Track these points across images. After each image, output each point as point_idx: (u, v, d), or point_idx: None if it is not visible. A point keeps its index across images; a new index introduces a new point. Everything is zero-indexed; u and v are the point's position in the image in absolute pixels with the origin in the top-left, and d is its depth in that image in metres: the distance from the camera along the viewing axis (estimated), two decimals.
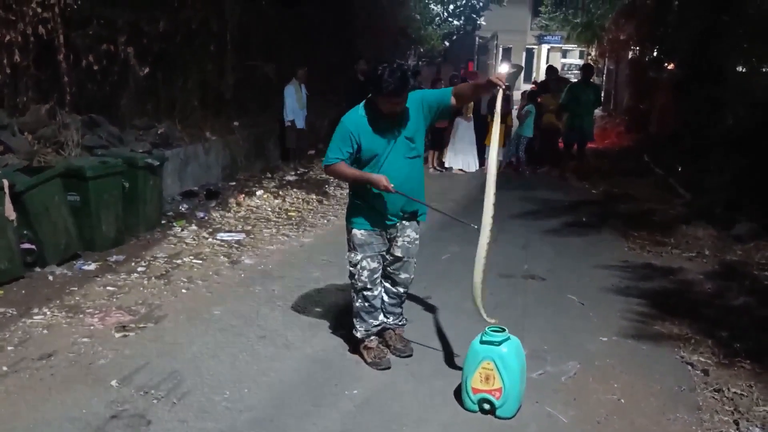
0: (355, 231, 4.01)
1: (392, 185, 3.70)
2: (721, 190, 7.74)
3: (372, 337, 4.19)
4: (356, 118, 3.85)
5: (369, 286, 4.06)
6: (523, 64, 32.30)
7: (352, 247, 4.05)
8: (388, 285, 4.21)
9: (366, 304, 4.11)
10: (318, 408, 3.60)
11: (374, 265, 4.04)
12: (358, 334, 4.18)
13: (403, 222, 4.04)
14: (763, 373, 4.07)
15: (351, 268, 4.09)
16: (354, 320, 4.19)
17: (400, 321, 4.35)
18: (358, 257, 4.02)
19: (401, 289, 4.23)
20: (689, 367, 4.19)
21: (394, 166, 3.84)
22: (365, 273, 4.03)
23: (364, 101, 3.91)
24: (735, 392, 3.83)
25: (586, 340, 4.60)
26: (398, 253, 4.09)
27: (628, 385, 3.94)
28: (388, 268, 4.15)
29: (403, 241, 4.07)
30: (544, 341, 4.53)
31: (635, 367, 4.20)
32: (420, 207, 4.08)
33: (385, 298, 4.24)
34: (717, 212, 7.55)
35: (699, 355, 4.34)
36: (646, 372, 4.12)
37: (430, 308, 5.08)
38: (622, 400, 3.76)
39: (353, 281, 4.10)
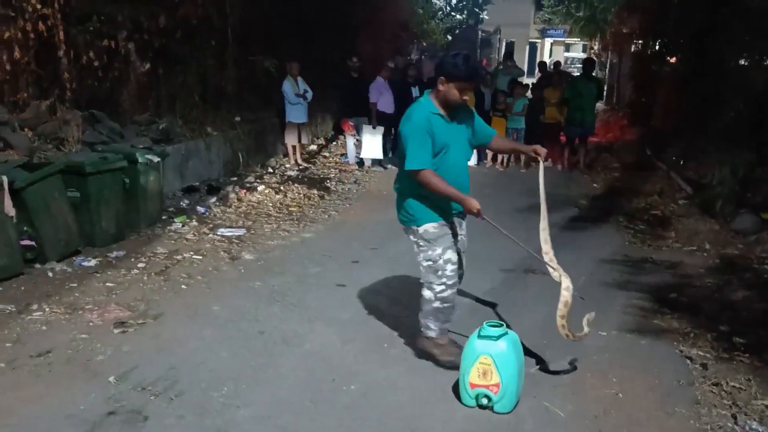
0: (426, 226, 3.86)
1: (483, 214, 3.67)
2: (721, 184, 7.71)
3: (444, 336, 4.06)
4: (425, 113, 3.76)
5: (451, 282, 3.90)
6: (525, 62, 32.37)
7: (427, 243, 3.88)
8: None
9: (444, 305, 3.95)
10: (315, 404, 3.61)
11: (456, 256, 3.92)
12: (432, 333, 4.02)
13: (459, 218, 4.04)
14: (761, 367, 4.07)
15: (432, 264, 3.89)
16: (427, 320, 4.02)
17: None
18: (439, 250, 3.86)
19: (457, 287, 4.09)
20: (688, 362, 4.19)
21: (458, 158, 3.86)
22: (449, 266, 3.87)
23: (423, 98, 3.88)
24: (733, 386, 3.82)
25: None
26: (460, 247, 4.06)
27: (626, 379, 3.94)
28: None
29: (460, 235, 4.05)
30: (543, 336, 4.52)
31: (634, 361, 4.20)
32: None
33: None
34: (718, 206, 7.52)
35: (698, 350, 4.34)
36: (645, 366, 4.12)
37: None
38: (620, 395, 3.76)
39: (438, 279, 3.90)
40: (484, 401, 3.51)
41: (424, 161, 3.70)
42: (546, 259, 3.85)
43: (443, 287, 3.90)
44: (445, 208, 3.89)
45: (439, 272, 3.88)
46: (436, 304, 3.95)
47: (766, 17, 8.46)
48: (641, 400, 3.71)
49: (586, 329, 3.86)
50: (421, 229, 3.88)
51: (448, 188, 3.70)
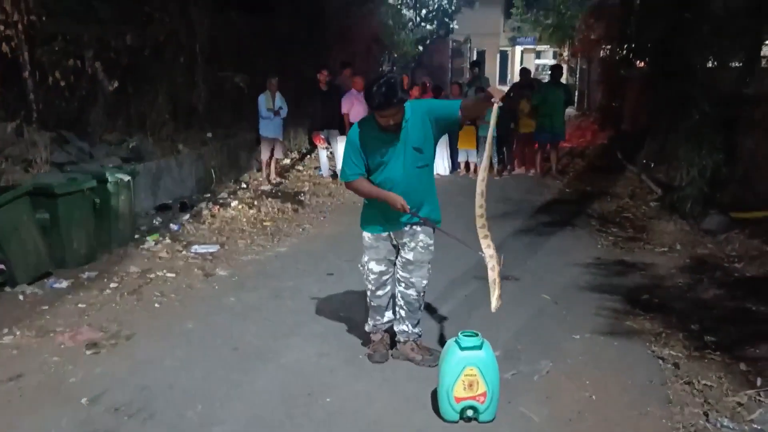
0: (364, 234, 4.17)
1: (409, 207, 3.82)
2: (690, 185, 7.82)
3: (378, 333, 4.38)
4: (358, 130, 3.95)
5: (373, 287, 4.24)
6: (496, 71, 32.64)
7: (363, 249, 4.22)
8: (401, 289, 4.20)
9: (372, 303, 4.32)
10: (291, 419, 3.59)
11: (381, 268, 4.18)
12: (367, 328, 4.42)
13: (415, 227, 4.06)
14: (732, 364, 4.12)
15: (361, 268, 4.30)
16: (368, 314, 4.42)
17: (418, 331, 4.32)
18: (365, 258, 4.22)
19: (415, 293, 4.18)
20: (660, 361, 4.22)
21: (398, 174, 3.90)
22: (371, 276, 4.22)
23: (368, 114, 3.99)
24: (705, 384, 3.86)
25: (560, 338, 4.63)
26: (410, 256, 4.11)
27: (600, 381, 3.97)
28: (401, 272, 4.17)
29: (416, 245, 4.09)
30: (518, 341, 4.55)
31: (607, 363, 4.23)
32: (435, 214, 4.11)
33: (402, 302, 4.23)
34: (687, 207, 7.63)
35: (670, 349, 4.38)
36: (618, 368, 4.15)
37: None
38: (594, 397, 3.78)
39: (366, 281, 4.29)
40: (470, 413, 3.47)
41: (352, 173, 3.97)
42: (479, 224, 3.99)
43: (369, 289, 4.29)
44: (386, 219, 4.02)
45: (365, 276, 4.28)
46: (367, 300, 4.36)
47: (730, 19, 8.62)
48: (615, 402, 3.74)
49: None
50: (362, 235, 4.21)
51: (373, 191, 3.96)
